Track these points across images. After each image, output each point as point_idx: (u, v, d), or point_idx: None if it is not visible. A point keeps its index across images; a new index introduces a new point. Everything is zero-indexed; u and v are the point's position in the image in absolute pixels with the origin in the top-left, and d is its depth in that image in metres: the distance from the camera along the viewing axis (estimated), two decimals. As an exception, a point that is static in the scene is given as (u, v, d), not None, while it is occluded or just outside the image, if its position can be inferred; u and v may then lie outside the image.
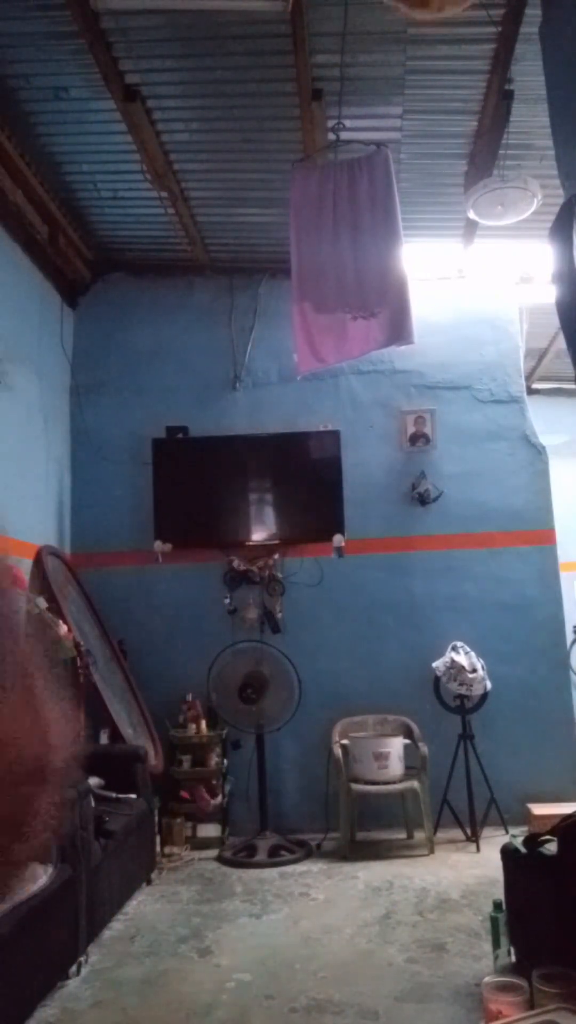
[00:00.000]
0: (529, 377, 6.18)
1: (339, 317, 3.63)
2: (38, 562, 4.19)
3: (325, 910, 3.26)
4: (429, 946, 2.82)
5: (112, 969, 2.72)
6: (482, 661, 4.41)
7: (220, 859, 4.02)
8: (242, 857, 3.97)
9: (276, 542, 4.73)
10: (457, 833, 4.21)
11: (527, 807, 4.21)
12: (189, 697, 4.47)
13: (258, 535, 4.74)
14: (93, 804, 2.96)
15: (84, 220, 4.58)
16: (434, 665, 4.44)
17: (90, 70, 3.30)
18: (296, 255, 3.62)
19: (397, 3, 2.55)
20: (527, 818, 4.14)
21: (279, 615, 4.68)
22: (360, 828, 4.32)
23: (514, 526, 4.78)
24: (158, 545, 4.66)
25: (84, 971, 2.67)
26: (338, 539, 4.64)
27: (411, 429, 4.89)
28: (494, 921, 2.53)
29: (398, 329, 3.59)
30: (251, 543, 4.73)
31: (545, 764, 4.45)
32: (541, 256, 4.32)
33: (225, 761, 4.43)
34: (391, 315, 3.58)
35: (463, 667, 4.33)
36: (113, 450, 4.91)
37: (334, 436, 4.80)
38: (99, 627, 4.57)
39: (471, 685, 4.30)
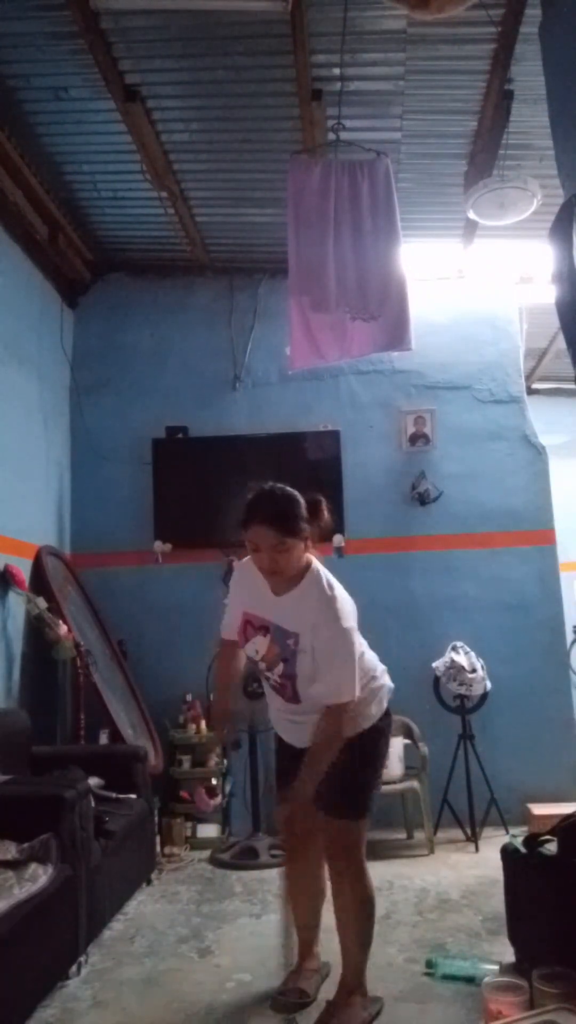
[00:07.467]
0: (529, 377, 6.18)
1: (339, 316, 3.62)
2: (38, 562, 4.20)
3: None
4: (429, 946, 2.81)
5: (112, 969, 2.72)
6: (482, 661, 4.41)
7: (213, 860, 3.98)
8: (240, 858, 3.95)
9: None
10: (457, 833, 4.21)
11: (527, 807, 4.21)
12: (189, 697, 4.48)
13: (258, 535, 4.73)
14: (93, 804, 2.96)
15: (84, 220, 4.58)
16: (434, 665, 4.44)
17: (90, 70, 3.30)
18: (293, 247, 3.57)
19: (398, 2, 2.56)
20: (527, 818, 4.14)
21: (279, 615, 4.67)
22: (360, 828, 4.31)
23: (514, 526, 4.78)
24: (158, 545, 4.66)
25: (84, 971, 2.67)
26: (338, 539, 4.63)
27: (411, 429, 4.89)
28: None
29: (397, 335, 3.58)
30: (251, 543, 4.72)
31: (545, 764, 4.45)
32: (541, 256, 4.31)
33: (225, 761, 4.43)
34: (390, 321, 3.57)
35: (463, 667, 4.33)
36: (113, 450, 4.90)
37: (334, 436, 4.80)
38: (99, 627, 4.57)
39: (471, 685, 4.30)
